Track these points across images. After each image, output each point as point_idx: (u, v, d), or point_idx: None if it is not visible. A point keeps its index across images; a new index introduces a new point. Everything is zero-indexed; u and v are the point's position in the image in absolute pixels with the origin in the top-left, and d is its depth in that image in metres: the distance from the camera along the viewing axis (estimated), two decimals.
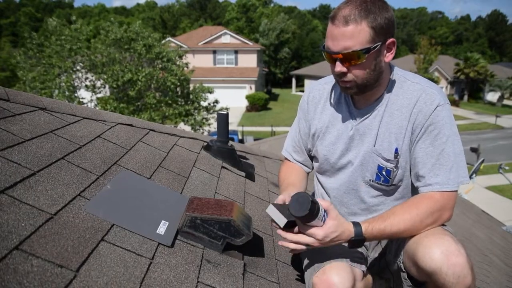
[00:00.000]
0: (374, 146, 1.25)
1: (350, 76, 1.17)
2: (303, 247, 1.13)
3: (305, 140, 1.48)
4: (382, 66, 1.18)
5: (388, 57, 1.18)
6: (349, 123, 1.31)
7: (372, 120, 1.26)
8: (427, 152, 1.17)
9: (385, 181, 1.27)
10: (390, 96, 1.23)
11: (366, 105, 1.27)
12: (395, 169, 1.24)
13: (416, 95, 1.19)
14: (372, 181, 1.29)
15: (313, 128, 1.42)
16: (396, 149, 1.22)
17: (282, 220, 1.11)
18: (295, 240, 1.13)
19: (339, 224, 1.10)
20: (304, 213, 1.03)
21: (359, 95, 1.26)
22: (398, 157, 1.23)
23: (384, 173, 1.26)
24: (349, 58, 1.13)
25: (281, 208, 1.15)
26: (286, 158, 1.56)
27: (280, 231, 1.14)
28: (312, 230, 1.09)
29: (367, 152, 1.27)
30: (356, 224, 1.13)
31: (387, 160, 1.24)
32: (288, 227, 1.12)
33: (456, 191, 1.16)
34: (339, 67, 1.16)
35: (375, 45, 1.11)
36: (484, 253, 3.35)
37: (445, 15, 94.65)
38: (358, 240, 1.12)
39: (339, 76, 1.20)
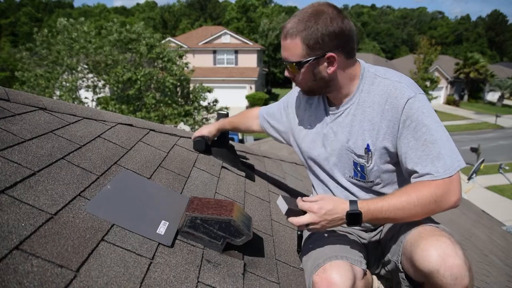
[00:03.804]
0: (347, 143, 1.29)
1: (296, 80, 1.31)
2: (305, 217, 1.19)
3: (278, 123, 1.63)
4: (324, 76, 1.24)
5: (330, 69, 1.22)
6: (324, 121, 1.37)
7: (344, 118, 1.30)
8: (410, 147, 1.17)
9: (362, 177, 1.31)
10: (361, 94, 1.26)
11: (339, 103, 1.32)
12: (367, 165, 1.27)
13: (386, 91, 1.21)
14: (351, 177, 1.34)
15: (294, 125, 1.52)
16: (368, 145, 1.24)
17: (284, 208, 1.22)
18: (296, 223, 1.20)
19: (331, 197, 1.21)
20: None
21: (313, 96, 1.39)
22: (369, 152, 1.25)
23: (359, 169, 1.30)
24: (288, 67, 1.27)
25: (287, 199, 1.27)
26: (260, 115, 1.77)
27: (289, 219, 1.23)
28: (308, 205, 1.18)
29: (341, 149, 1.31)
30: (352, 201, 1.18)
31: (359, 156, 1.27)
32: (292, 214, 1.22)
33: (454, 175, 1.13)
34: (286, 72, 1.33)
35: (307, 59, 1.20)
36: (484, 253, 3.35)
37: (445, 15, 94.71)
38: (354, 213, 1.14)
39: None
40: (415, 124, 1.16)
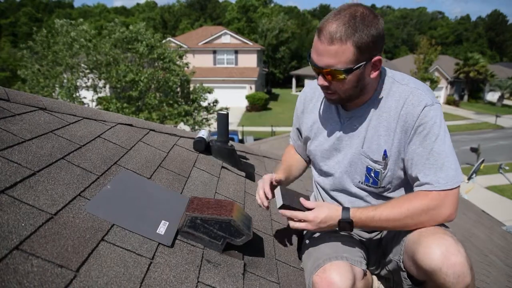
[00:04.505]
0: (362, 148, 1.26)
1: (332, 89, 1.20)
2: (301, 224, 1.22)
3: (300, 136, 1.56)
4: (366, 82, 1.18)
5: (373, 74, 1.17)
6: (337, 125, 1.32)
7: (361, 121, 1.26)
8: (417, 153, 1.17)
9: (374, 183, 1.28)
10: (378, 99, 1.24)
11: (355, 107, 1.27)
12: (383, 171, 1.25)
13: (403, 97, 1.19)
14: (361, 183, 1.31)
15: (303, 128, 1.47)
16: (385, 151, 1.23)
17: (279, 202, 1.26)
18: (290, 215, 1.23)
19: (325, 205, 1.23)
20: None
21: (342, 104, 1.30)
22: (386, 159, 1.23)
23: (372, 174, 1.27)
24: (331, 74, 1.14)
25: (285, 191, 1.30)
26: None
27: (281, 211, 1.26)
28: (303, 215, 1.21)
29: (355, 154, 1.28)
30: (345, 208, 1.20)
31: (375, 162, 1.25)
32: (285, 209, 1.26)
33: (454, 189, 1.14)
34: (321, 81, 1.19)
35: (358, 65, 1.11)
36: (484, 253, 3.35)
37: (445, 15, 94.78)
38: (345, 221, 1.18)
39: (322, 88, 1.23)
40: (426, 132, 1.15)
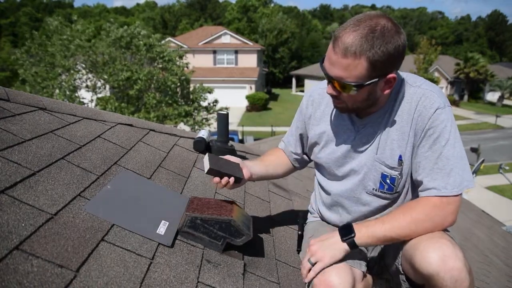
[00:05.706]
0: (376, 154, 1.23)
1: (341, 99, 1.17)
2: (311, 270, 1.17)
3: (299, 141, 1.49)
4: (376, 96, 1.15)
5: (385, 90, 1.13)
6: (351, 132, 1.28)
7: (375, 128, 1.23)
8: (425, 157, 1.15)
9: (389, 189, 1.25)
10: (392, 103, 1.21)
11: (368, 113, 1.24)
12: (399, 177, 1.22)
13: (416, 99, 1.16)
14: (376, 190, 1.27)
15: (311, 134, 1.41)
16: (400, 156, 1.20)
17: (206, 167, 1.24)
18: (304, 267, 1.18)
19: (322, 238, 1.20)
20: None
21: (349, 113, 1.26)
22: (402, 164, 1.21)
23: (388, 181, 1.24)
24: (341, 86, 1.11)
25: (214, 158, 1.28)
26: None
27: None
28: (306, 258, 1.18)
29: (369, 161, 1.25)
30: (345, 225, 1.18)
31: (392, 168, 1.22)
32: (214, 175, 1.26)
33: (458, 195, 1.12)
34: (330, 90, 1.16)
35: (370, 82, 1.07)
36: (484, 253, 3.35)
37: (445, 15, 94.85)
38: (347, 226, 1.15)
39: (331, 96, 1.20)
40: (436, 136, 1.13)
